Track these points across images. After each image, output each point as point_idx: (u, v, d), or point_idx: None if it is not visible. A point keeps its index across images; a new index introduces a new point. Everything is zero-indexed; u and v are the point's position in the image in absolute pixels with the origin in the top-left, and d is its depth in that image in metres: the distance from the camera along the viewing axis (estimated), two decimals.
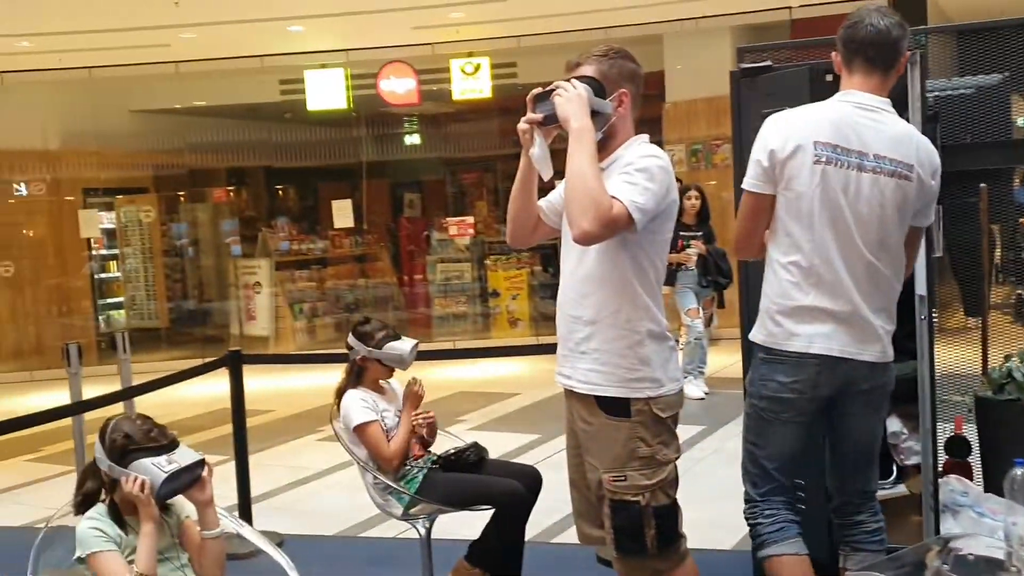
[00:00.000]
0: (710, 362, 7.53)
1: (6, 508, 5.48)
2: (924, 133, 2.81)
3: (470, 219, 11.59)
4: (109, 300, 12.17)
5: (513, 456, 5.60)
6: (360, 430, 3.42)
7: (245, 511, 4.61)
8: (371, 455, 3.45)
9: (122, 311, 12.19)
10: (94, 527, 2.40)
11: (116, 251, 12.14)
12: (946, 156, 3.14)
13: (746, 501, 2.83)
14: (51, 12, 8.22)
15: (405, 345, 3.47)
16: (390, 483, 3.38)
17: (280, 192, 15.50)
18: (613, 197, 2.35)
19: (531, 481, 3.41)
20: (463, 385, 8.48)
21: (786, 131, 2.60)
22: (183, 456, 2.44)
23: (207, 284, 12.81)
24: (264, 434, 6.98)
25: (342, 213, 10.97)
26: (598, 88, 2.47)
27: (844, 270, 2.58)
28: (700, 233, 7.15)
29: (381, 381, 3.61)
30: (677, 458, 2.61)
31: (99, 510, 2.46)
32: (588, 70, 2.52)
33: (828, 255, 2.58)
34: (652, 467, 2.50)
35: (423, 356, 3.66)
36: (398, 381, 3.75)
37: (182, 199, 13.11)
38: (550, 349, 2.77)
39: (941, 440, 3.38)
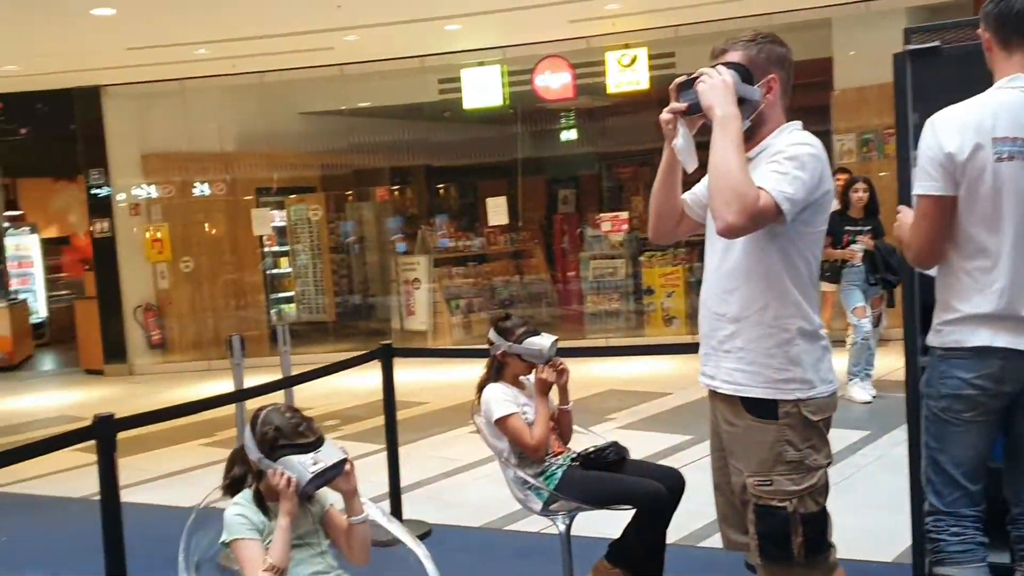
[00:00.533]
0: (878, 364, 7.15)
1: (180, 489, 5.81)
2: None
3: (624, 215, 11.46)
4: (280, 295, 12.79)
5: (661, 457, 5.48)
6: (501, 423, 3.41)
7: (395, 500, 4.71)
8: (515, 447, 3.44)
9: (292, 305, 12.78)
10: (239, 513, 2.50)
11: (286, 248, 12.73)
12: None
13: (929, 513, 2.65)
14: (225, 20, 8.67)
15: (545, 341, 3.44)
16: (529, 478, 3.36)
17: (440, 190, 15.84)
18: (760, 187, 2.24)
19: (673, 483, 3.31)
20: (614, 383, 8.39)
21: (960, 130, 2.42)
22: (328, 455, 2.49)
23: (371, 280, 13.25)
24: (417, 425, 7.13)
25: (497, 210, 11.08)
26: (745, 74, 2.36)
27: None
28: (868, 228, 6.78)
29: (521, 377, 3.59)
30: (828, 464, 2.47)
31: (245, 496, 2.55)
32: (735, 56, 2.42)
33: (1017, 257, 2.42)
34: (800, 472, 2.38)
35: (572, 353, 3.63)
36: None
37: (348, 198, 13.61)
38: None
39: None
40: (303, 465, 2.44)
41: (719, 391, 2.48)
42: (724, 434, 2.52)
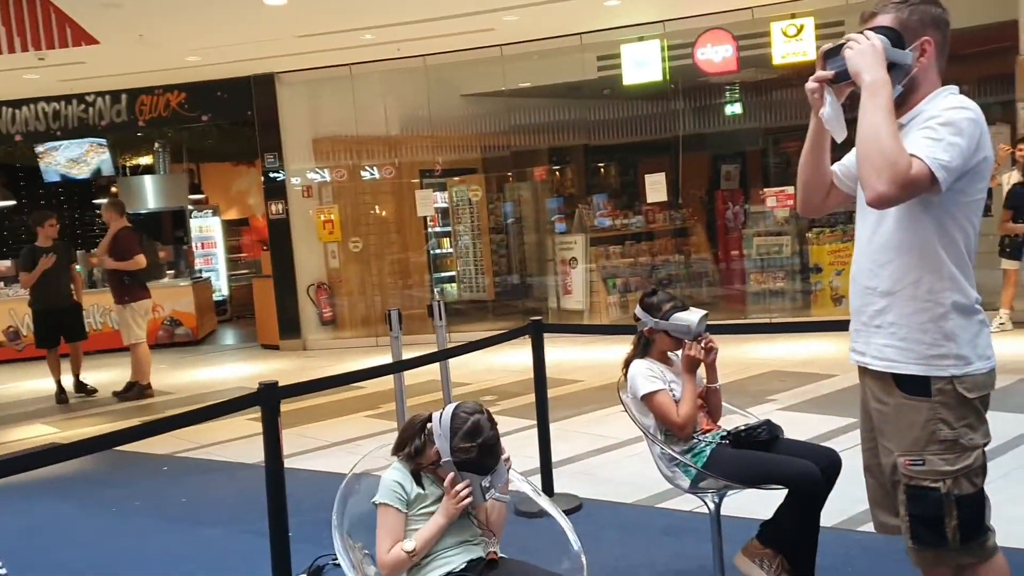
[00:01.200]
0: None
1: (344, 458, 6.07)
2: None
3: (789, 189, 11.07)
4: (443, 274, 13.11)
5: (823, 440, 5.29)
6: (648, 399, 3.39)
7: (546, 474, 4.77)
8: (661, 424, 3.41)
9: (454, 284, 13.08)
10: (396, 480, 2.60)
11: (448, 228, 13.03)
12: None
13: None
14: (390, 5, 8.92)
15: (693, 316, 3.38)
16: (676, 455, 3.32)
17: (599, 169, 15.77)
18: (912, 155, 2.16)
19: (828, 464, 3.20)
20: (777, 364, 8.16)
21: None
22: (500, 477, 2.57)
23: (529, 259, 13.38)
24: (571, 402, 7.17)
25: (655, 187, 10.94)
26: (895, 38, 2.27)
27: None
28: None
29: (669, 353, 3.55)
30: (986, 444, 2.35)
31: (399, 467, 2.64)
32: (885, 19, 2.32)
33: None
34: (955, 452, 2.30)
35: (725, 330, 3.55)
36: None
37: (508, 179, 13.77)
38: None
39: None
40: (482, 487, 2.54)
41: (869, 367, 2.42)
42: (874, 413, 2.46)
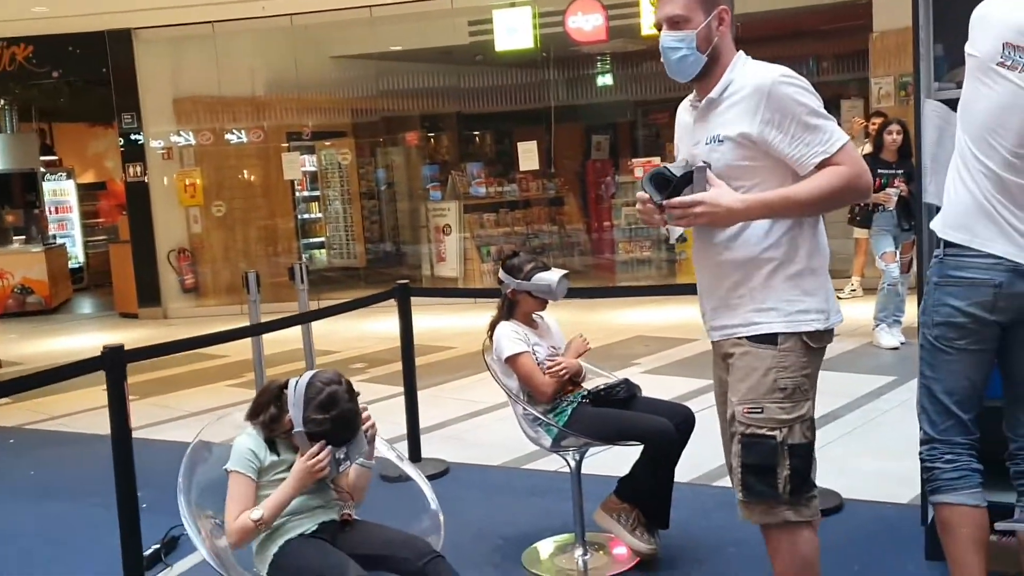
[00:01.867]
0: (908, 310, 7.03)
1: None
2: None
3: (656, 160, 11.29)
4: (312, 240, 12.84)
5: (682, 400, 5.43)
6: (511, 361, 3.40)
7: (413, 439, 4.74)
8: (524, 386, 3.42)
9: (324, 250, 12.83)
10: (249, 447, 2.51)
11: (317, 193, 12.75)
12: None
13: (923, 442, 2.63)
14: None
15: (553, 276, 3.41)
16: (538, 414, 3.35)
17: (474, 137, 15.73)
18: (825, 163, 2.25)
19: (681, 420, 3.28)
20: (642, 329, 8.35)
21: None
22: (357, 449, 2.51)
23: (402, 226, 13.25)
24: (443, 369, 7.16)
25: (528, 155, 10.97)
26: (663, 182, 2.29)
27: None
28: (901, 171, 6.62)
29: (534, 315, 3.56)
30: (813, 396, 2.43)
31: (253, 434, 2.55)
32: (676, 5, 2.33)
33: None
34: (793, 400, 2.33)
35: (592, 293, 3.59)
36: (554, 318, 3.70)
37: (381, 144, 13.57)
38: None
39: None
40: (337, 459, 2.47)
41: (732, 337, 2.40)
42: (725, 372, 2.47)
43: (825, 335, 2.38)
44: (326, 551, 2.40)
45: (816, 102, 2.25)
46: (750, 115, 2.27)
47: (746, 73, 2.32)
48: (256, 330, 4.09)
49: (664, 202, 2.26)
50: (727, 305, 2.38)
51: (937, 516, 2.62)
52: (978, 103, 2.41)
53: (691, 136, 2.43)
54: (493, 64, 12.34)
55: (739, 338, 2.36)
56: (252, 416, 2.58)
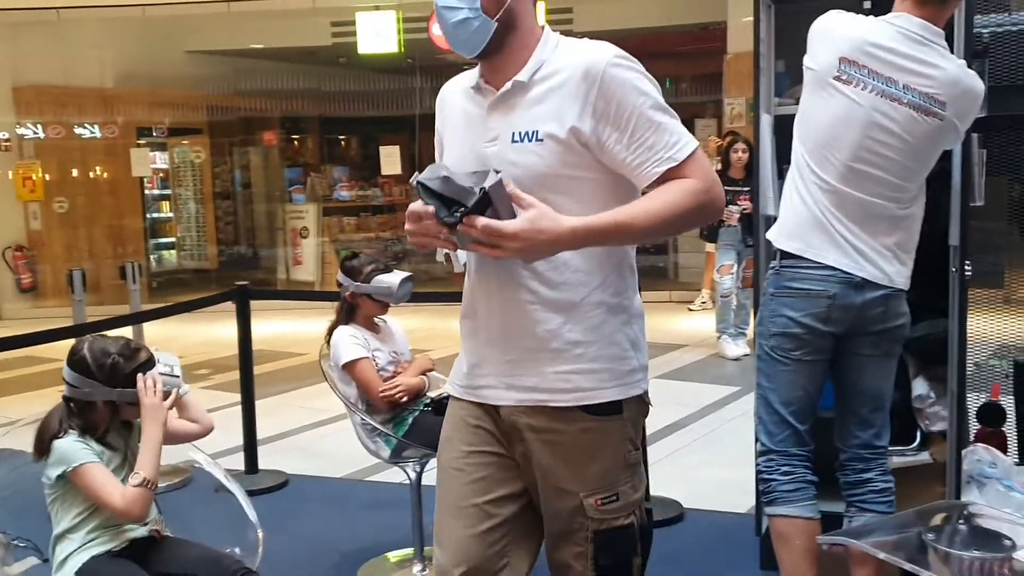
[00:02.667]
0: (752, 322, 7.26)
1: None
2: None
3: None
4: (162, 240, 12.29)
5: None
6: (349, 367, 3.27)
7: (250, 450, 4.54)
8: (362, 394, 3.30)
9: (173, 251, 12.31)
10: (78, 441, 2.32)
11: (168, 192, 12.23)
12: (994, 97, 2.86)
13: (761, 453, 2.65)
14: None
15: (394, 278, 3.30)
16: (376, 424, 3.24)
17: (339, 141, 15.43)
18: (671, 173, 1.69)
19: None
20: None
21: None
22: (167, 359, 2.45)
23: (259, 228, 12.85)
24: (291, 376, 6.93)
25: (390, 159, 10.84)
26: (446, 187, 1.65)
27: None
28: (747, 189, 6.82)
29: (376, 319, 3.45)
30: None
31: (73, 435, 2.35)
32: None
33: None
34: (637, 474, 1.88)
35: (447, 298, 3.50)
36: (398, 323, 3.60)
37: (237, 143, 13.13)
38: None
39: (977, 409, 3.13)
40: (166, 371, 2.40)
41: (549, 405, 1.80)
42: (537, 450, 1.83)
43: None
44: (129, 571, 2.23)
45: (659, 93, 1.75)
46: (578, 105, 1.71)
47: (567, 51, 1.77)
48: (77, 331, 3.82)
49: (462, 222, 1.60)
50: (536, 360, 1.79)
51: (772, 527, 2.65)
52: (814, 116, 2.46)
53: (479, 130, 1.80)
54: (358, 68, 12.13)
55: (561, 407, 1.79)
56: (53, 439, 2.36)
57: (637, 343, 1.86)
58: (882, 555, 1.90)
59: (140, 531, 2.36)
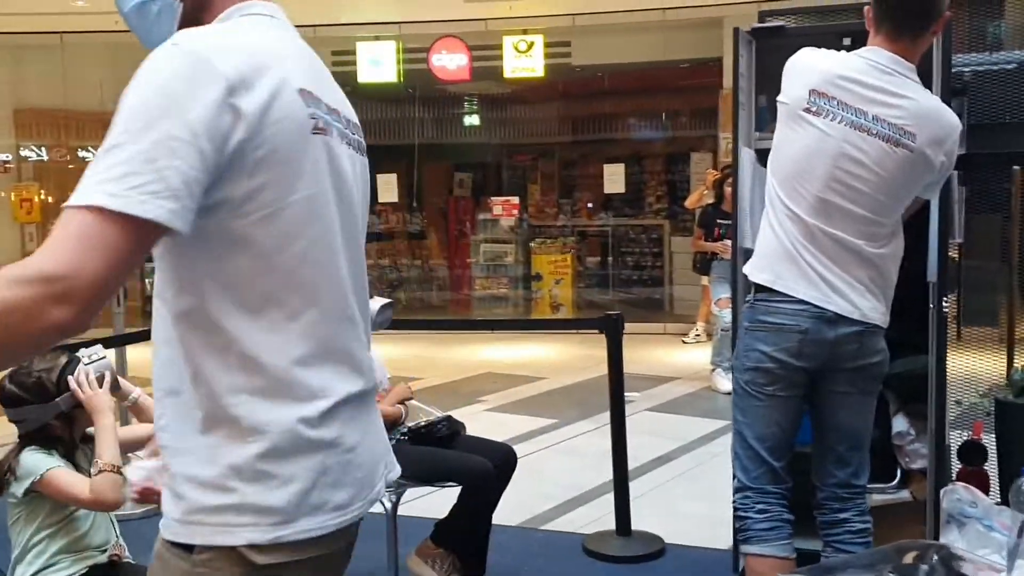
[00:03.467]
0: None
1: None
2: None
3: (515, 199, 11.38)
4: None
5: (524, 439, 5.40)
6: None
7: None
8: None
9: None
10: (42, 451, 2.32)
11: None
12: (975, 136, 2.87)
13: (737, 490, 2.61)
14: None
15: (374, 304, 3.26)
16: None
17: None
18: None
19: (502, 460, 3.20)
20: (492, 366, 8.31)
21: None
22: (88, 350, 2.44)
23: None
24: None
25: (386, 187, 10.88)
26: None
27: None
28: None
29: None
30: None
31: (35, 448, 2.34)
32: None
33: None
34: None
35: (442, 327, 3.50)
36: (378, 350, 3.57)
37: None
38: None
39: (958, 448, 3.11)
40: (90, 361, 2.38)
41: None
42: None
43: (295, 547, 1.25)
44: None
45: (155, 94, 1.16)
46: None
47: None
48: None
49: None
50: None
51: (747, 565, 2.62)
52: (786, 149, 2.46)
53: None
54: (358, 96, 12.21)
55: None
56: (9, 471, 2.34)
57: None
58: None
59: (100, 557, 2.33)
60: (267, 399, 1.23)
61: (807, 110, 2.38)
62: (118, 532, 2.43)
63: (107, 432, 2.29)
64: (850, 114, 2.35)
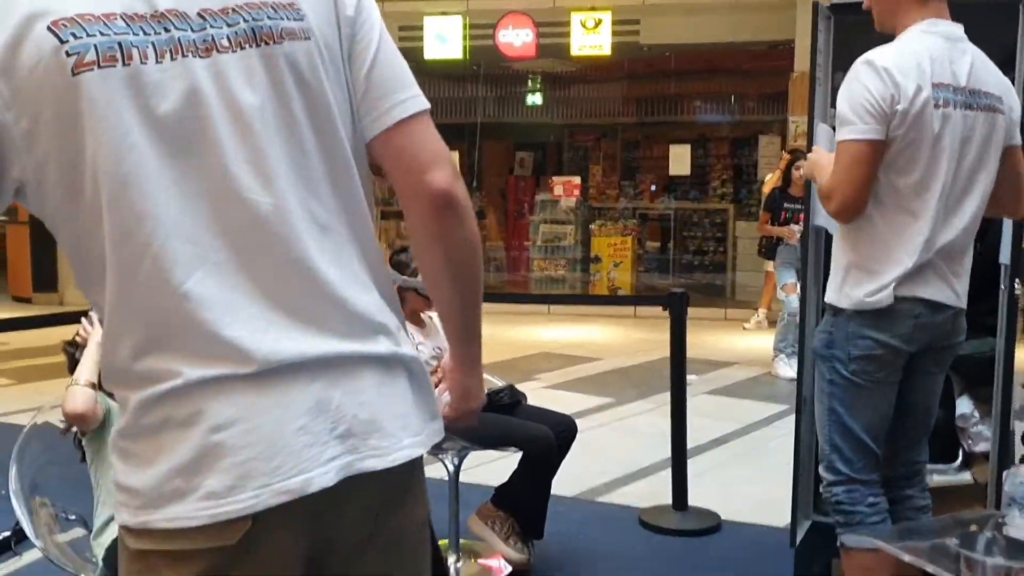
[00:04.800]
0: None
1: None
2: None
3: (576, 179, 11.37)
4: None
5: (580, 416, 5.39)
6: None
7: None
8: None
9: None
10: None
11: None
12: None
13: (837, 483, 2.49)
14: None
15: None
16: None
17: None
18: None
19: (563, 430, 3.25)
20: (549, 346, 8.35)
21: (904, 72, 2.26)
22: None
23: None
24: None
25: None
26: None
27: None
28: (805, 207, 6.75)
29: (422, 314, 3.50)
30: None
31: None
32: None
33: (940, 212, 2.32)
34: None
35: (486, 300, 3.51)
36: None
37: None
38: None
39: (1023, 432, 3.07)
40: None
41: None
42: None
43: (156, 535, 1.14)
44: None
45: None
46: None
47: None
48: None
49: None
50: None
51: (852, 559, 2.50)
52: (909, 149, 2.32)
53: None
54: (423, 74, 12.29)
55: None
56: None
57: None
58: (907, 557, 1.87)
59: None
60: (121, 375, 1.17)
61: (926, 105, 2.33)
62: None
63: (86, 356, 2.39)
64: (961, 96, 2.34)
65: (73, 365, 2.47)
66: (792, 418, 5.60)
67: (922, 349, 2.42)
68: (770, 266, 8.61)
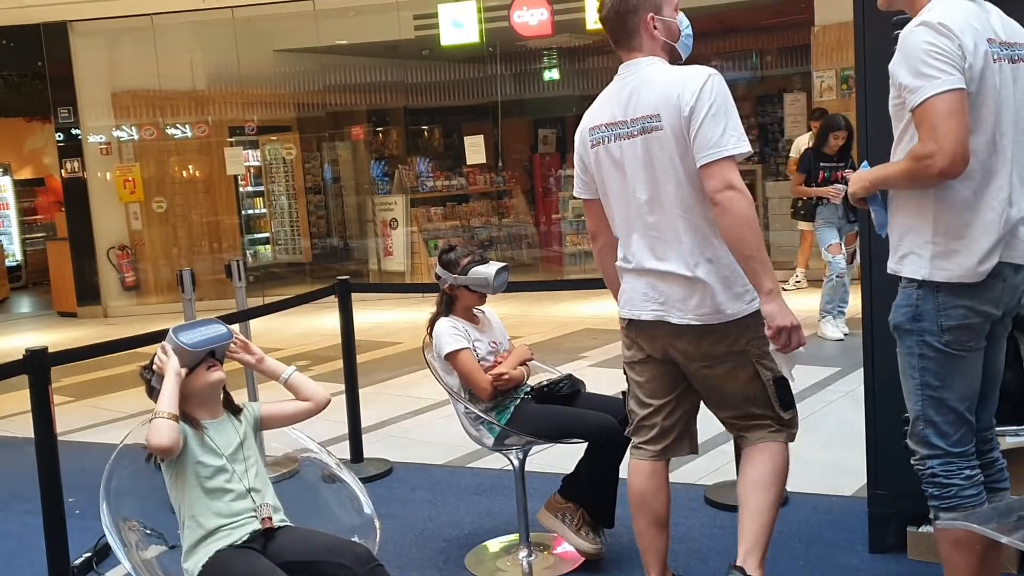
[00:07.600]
0: (852, 301, 7.09)
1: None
2: None
3: None
4: (256, 235, 12.64)
5: None
6: (452, 358, 3.33)
7: (355, 439, 4.66)
8: (464, 383, 3.37)
9: (268, 246, 12.64)
10: None
11: (262, 188, 12.56)
12: None
13: (932, 456, 2.43)
14: None
15: (490, 269, 3.34)
16: (480, 413, 3.29)
17: (422, 132, 15.63)
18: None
19: (625, 416, 3.23)
20: (590, 322, 8.34)
21: (965, 28, 2.21)
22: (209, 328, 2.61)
23: (349, 221, 13.11)
24: (388, 365, 7.08)
25: (475, 149, 10.91)
26: None
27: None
28: (842, 164, 6.67)
29: (474, 310, 3.50)
30: None
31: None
32: None
33: (1015, 171, 2.29)
34: None
35: (539, 287, 3.52)
36: (495, 312, 3.64)
37: (326, 138, 13.40)
38: None
39: None
40: (178, 339, 2.53)
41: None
42: None
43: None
44: (254, 562, 2.32)
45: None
46: None
47: None
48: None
49: None
50: None
51: (946, 534, 2.43)
52: (976, 107, 2.27)
53: None
54: (440, 59, 12.25)
55: None
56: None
57: None
58: (1004, 539, 1.85)
59: (255, 524, 2.42)
60: None
61: (987, 61, 2.28)
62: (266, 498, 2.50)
63: (166, 387, 2.41)
64: (1008, 51, 2.32)
65: (150, 390, 2.50)
66: (845, 381, 5.63)
67: (1005, 312, 2.38)
68: (803, 225, 8.55)
